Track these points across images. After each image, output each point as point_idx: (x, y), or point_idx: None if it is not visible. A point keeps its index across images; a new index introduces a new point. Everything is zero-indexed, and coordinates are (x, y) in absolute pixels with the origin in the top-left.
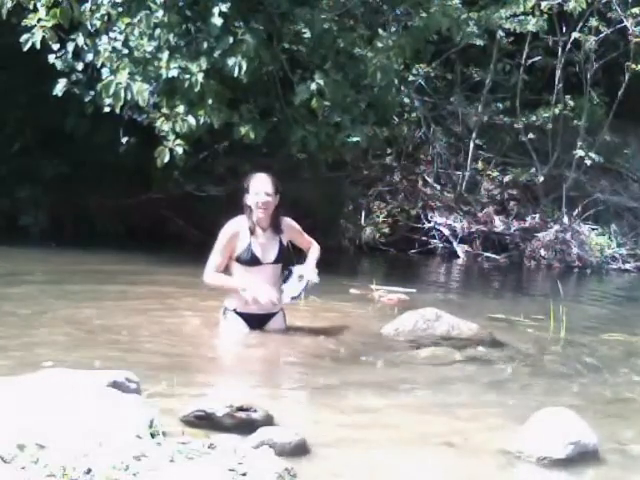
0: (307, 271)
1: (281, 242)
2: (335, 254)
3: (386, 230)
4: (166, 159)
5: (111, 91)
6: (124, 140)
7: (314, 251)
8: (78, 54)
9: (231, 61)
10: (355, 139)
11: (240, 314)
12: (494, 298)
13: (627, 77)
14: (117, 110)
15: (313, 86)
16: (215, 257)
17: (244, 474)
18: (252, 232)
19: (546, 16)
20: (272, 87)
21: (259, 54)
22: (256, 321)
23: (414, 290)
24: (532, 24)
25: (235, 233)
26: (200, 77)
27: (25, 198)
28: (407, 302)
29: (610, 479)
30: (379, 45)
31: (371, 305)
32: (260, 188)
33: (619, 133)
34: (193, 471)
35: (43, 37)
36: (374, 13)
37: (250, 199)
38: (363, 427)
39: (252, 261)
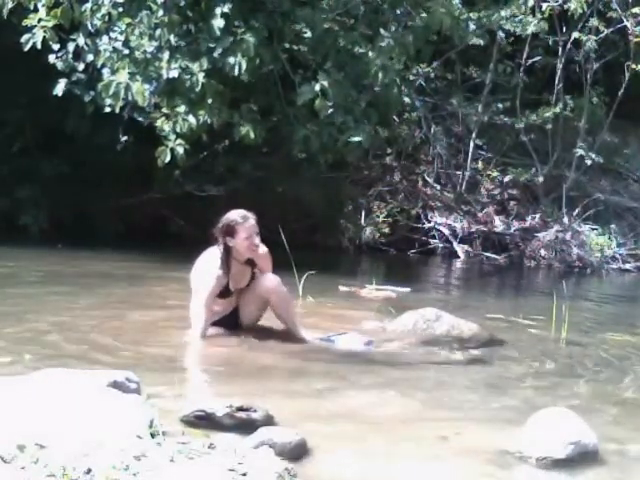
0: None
1: (252, 269)
2: (335, 254)
3: (386, 230)
4: (167, 159)
5: (111, 91)
6: (123, 139)
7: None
8: (79, 54)
9: (231, 60)
10: (357, 139)
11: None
12: (494, 298)
13: (627, 77)
14: (117, 110)
15: (317, 87)
16: (202, 311)
17: (244, 474)
18: (229, 270)
19: (546, 16)
20: (272, 87)
21: (259, 53)
22: (233, 318)
23: (408, 289)
24: (533, 25)
25: (220, 280)
26: (201, 77)
27: (25, 198)
28: (395, 299)
29: (610, 479)
30: (381, 44)
31: (367, 304)
32: (252, 231)
33: (619, 133)
34: (193, 471)
35: (44, 37)
36: (374, 13)
37: (240, 243)
38: (363, 427)
39: (225, 293)
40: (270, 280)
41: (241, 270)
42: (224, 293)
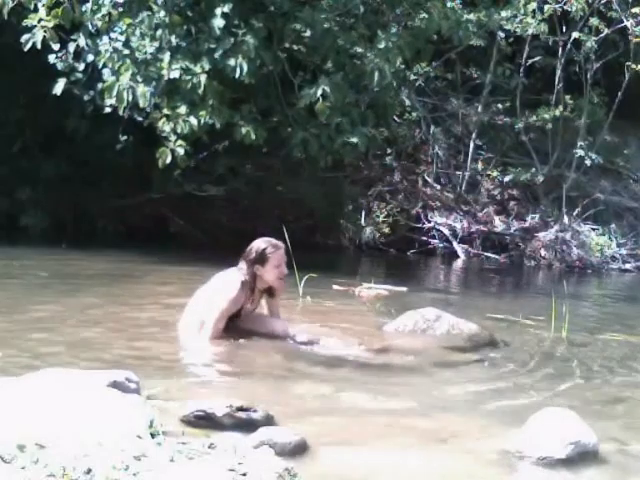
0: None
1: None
2: (335, 254)
3: (386, 230)
4: (168, 160)
5: (114, 93)
6: (123, 139)
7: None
8: (79, 54)
9: (232, 62)
10: (354, 140)
11: None
12: (494, 298)
13: (627, 77)
14: (120, 112)
15: (319, 92)
16: (219, 324)
17: (244, 474)
18: (252, 296)
19: (546, 17)
20: (272, 88)
21: (260, 54)
22: None
23: (404, 288)
24: (533, 26)
25: (238, 305)
26: (203, 78)
27: (25, 198)
28: (392, 298)
29: (610, 479)
30: (378, 46)
31: (365, 303)
32: (282, 260)
33: (619, 133)
34: (193, 471)
35: (44, 37)
36: (374, 13)
37: (270, 273)
38: (363, 427)
39: (235, 316)
40: (281, 330)
41: (256, 298)
42: (234, 315)
